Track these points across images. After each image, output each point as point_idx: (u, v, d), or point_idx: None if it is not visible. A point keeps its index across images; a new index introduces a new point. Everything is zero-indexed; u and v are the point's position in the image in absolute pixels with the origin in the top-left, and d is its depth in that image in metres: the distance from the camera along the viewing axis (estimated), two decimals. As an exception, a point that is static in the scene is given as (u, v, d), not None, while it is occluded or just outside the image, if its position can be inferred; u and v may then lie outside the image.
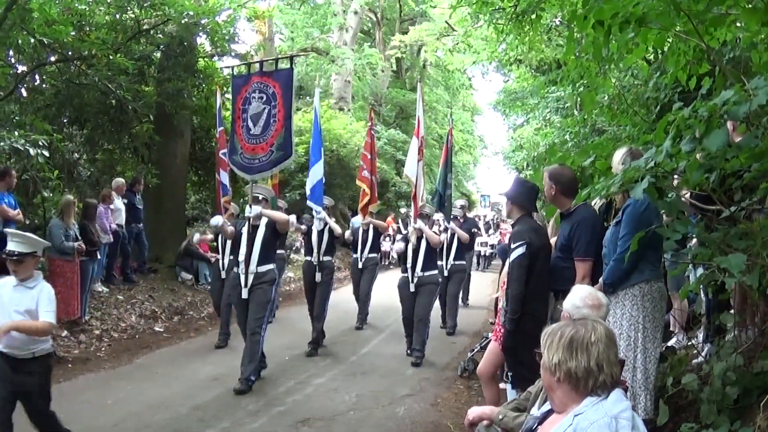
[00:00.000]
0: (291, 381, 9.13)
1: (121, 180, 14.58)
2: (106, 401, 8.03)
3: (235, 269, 9.35)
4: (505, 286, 6.51)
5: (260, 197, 9.43)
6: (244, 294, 8.98)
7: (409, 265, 10.79)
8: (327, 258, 11.79)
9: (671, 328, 8.21)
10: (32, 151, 10.78)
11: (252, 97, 9.45)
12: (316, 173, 11.36)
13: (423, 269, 10.77)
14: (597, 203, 6.50)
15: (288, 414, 7.74)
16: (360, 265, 13.97)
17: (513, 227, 6.64)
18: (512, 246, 6.23)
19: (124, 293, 13.60)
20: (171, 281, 15.32)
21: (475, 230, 17.29)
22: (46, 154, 11.28)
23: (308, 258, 12.01)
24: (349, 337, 12.49)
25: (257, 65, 9.87)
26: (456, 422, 7.48)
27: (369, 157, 13.21)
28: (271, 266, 9.18)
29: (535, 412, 3.68)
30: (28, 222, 12.21)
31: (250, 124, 9.43)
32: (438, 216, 12.69)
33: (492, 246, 29.10)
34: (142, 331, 12.19)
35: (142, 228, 15.11)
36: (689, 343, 7.35)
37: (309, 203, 11.40)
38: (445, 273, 13.42)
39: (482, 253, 29.09)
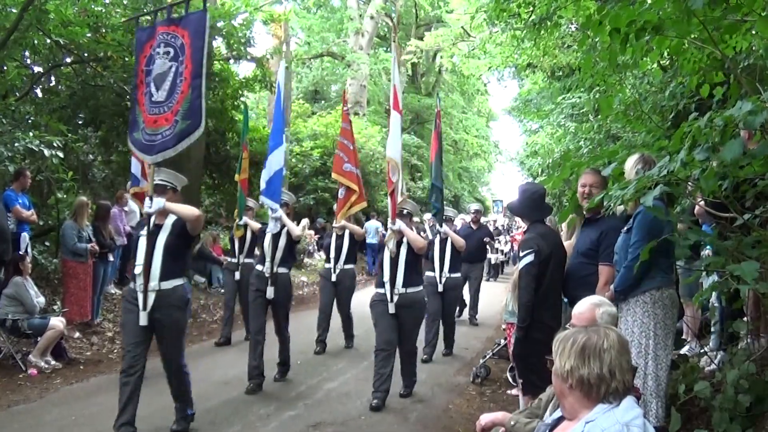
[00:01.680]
0: (302, 386, 9.15)
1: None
2: (117, 403, 8.04)
3: (131, 285, 6.99)
4: (511, 288, 6.53)
5: (167, 186, 7.12)
6: (143, 320, 6.68)
7: (387, 280, 8.35)
8: (284, 269, 9.41)
9: (684, 336, 8.19)
10: (47, 152, 10.82)
11: (156, 54, 7.03)
12: (275, 162, 9.25)
13: (406, 284, 8.45)
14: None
15: (299, 418, 7.73)
16: (333, 278, 11.88)
17: (524, 234, 6.63)
18: (521, 254, 6.23)
19: (137, 295, 13.61)
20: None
21: (488, 239, 16.29)
22: (61, 155, 11.31)
23: (259, 268, 9.41)
24: (362, 342, 12.22)
25: (166, 12, 7.53)
26: (468, 428, 7.45)
27: (350, 147, 11.26)
28: (179, 282, 6.91)
29: (547, 418, 3.67)
30: (41, 223, 12.27)
31: (153, 88, 6.94)
32: (428, 216, 12.51)
33: (504, 253, 28.38)
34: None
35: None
36: (702, 351, 7.33)
37: (262, 199, 9.33)
38: (440, 288, 11.39)
39: (492, 261, 26.68)
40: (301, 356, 10.77)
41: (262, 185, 9.29)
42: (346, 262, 11.99)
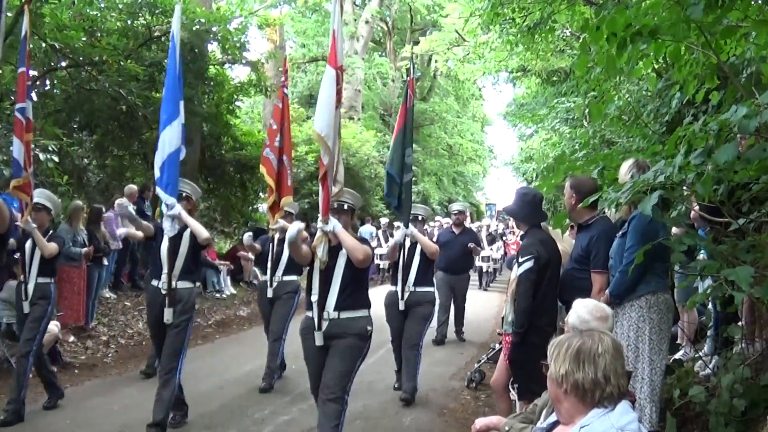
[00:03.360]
0: (297, 390, 9.10)
1: (133, 187, 14.63)
2: (112, 407, 8.04)
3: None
4: (509, 297, 6.51)
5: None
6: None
7: (314, 300, 6.10)
8: (186, 284, 7.35)
9: (678, 341, 8.20)
10: (42, 156, 10.80)
11: None
12: (168, 141, 7.29)
13: (338, 309, 6.12)
14: (613, 215, 6.49)
15: (294, 423, 7.73)
16: (270, 293, 9.42)
17: (522, 239, 6.63)
18: (520, 260, 6.22)
19: (132, 300, 13.64)
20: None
21: (472, 245, 13.41)
22: (56, 159, 11.32)
23: (155, 283, 7.33)
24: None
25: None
26: (462, 433, 7.46)
27: (277, 129, 9.47)
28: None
29: (542, 423, 3.67)
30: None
31: None
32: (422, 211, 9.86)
33: (495, 261, 25.79)
34: (149, 338, 12.19)
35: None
36: (697, 355, 7.34)
37: (158, 192, 7.37)
38: (401, 306, 9.04)
39: (484, 269, 24.22)
40: (297, 361, 10.76)
41: (156, 173, 7.34)
42: (285, 273, 9.52)
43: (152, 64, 14.78)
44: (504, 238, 27.90)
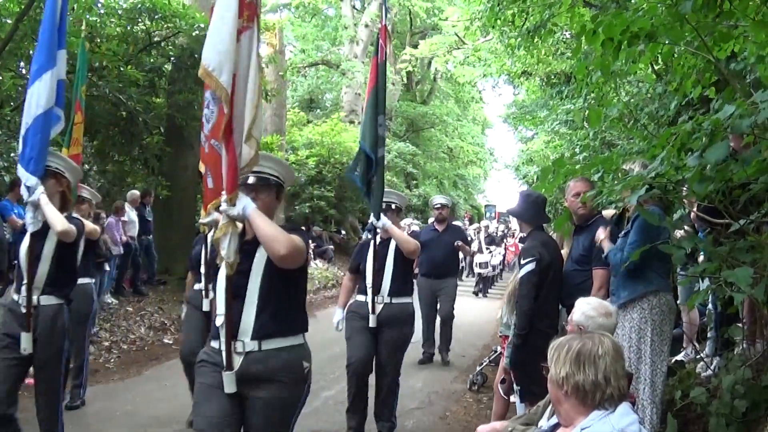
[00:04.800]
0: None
1: (136, 192, 14.66)
2: (114, 413, 8.04)
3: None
4: (505, 298, 6.53)
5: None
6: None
7: (219, 328, 4.24)
8: (50, 300, 5.49)
9: (684, 345, 8.20)
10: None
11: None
12: (37, 101, 5.46)
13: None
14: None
15: (296, 426, 7.71)
16: (205, 306, 6.92)
17: (524, 241, 6.64)
18: (522, 262, 6.23)
19: (134, 305, 13.63)
20: (180, 293, 15.26)
21: (459, 243, 11.75)
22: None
23: (15, 297, 5.49)
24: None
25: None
26: (464, 436, 7.46)
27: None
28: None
29: (543, 425, 3.67)
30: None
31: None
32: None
33: (494, 267, 24.11)
34: (151, 343, 12.19)
35: (152, 240, 15.16)
36: (698, 357, 7.35)
37: (18, 170, 5.41)
38: (371, 322, 6.95)
39: (483, 275, 22.61)
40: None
41: (19, 145, 5.53)
42: None
43: (152, 69, 14.79)
44: (505, 241, 27.63)
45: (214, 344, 4.15)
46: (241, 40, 4.05)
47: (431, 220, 13.68)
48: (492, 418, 6.67)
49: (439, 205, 11.78)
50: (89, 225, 6.37)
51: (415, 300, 7.70)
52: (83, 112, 8.28)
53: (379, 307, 6.98)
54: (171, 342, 12.50)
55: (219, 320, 4.09)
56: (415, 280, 9.17)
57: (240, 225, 4.07)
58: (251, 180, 4.23)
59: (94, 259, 7.63)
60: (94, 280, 7.71)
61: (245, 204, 3.94)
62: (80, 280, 6.55)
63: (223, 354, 4.01)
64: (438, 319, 11.58)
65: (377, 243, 7.11)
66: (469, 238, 15.00)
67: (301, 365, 4.24)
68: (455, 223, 15.60)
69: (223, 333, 4.04)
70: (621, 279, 5.47)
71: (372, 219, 7.08)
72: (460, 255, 13.56)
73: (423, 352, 11.39)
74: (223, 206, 3.94)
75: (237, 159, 3.92)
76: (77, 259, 5.94)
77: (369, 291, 7.03)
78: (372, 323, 6.91)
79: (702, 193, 4.31)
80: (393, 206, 7.45)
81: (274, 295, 4.10)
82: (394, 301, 7.05)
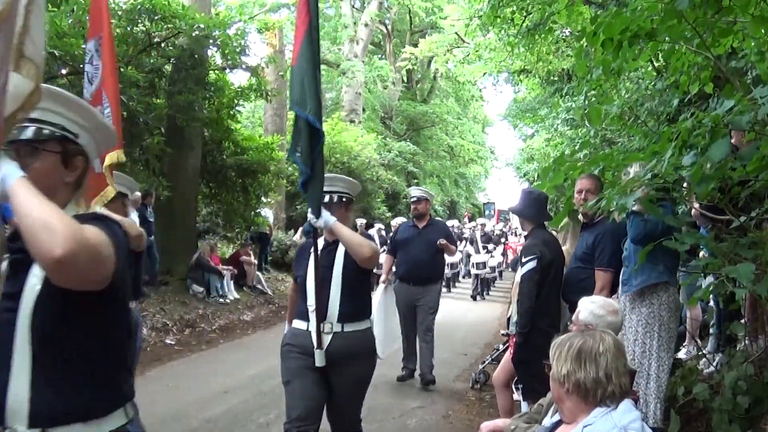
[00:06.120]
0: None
1: (138, 193, 14.65)
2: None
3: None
4: (513, 298, 6.52)
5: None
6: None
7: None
8: None
9: (686, 343, 8.20)
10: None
11: None
12: None
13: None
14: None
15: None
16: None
17: (525, 239, 6.65)
18: (523, 260, 6.23)
19: (136, 307, 13.62)
20: (182, 294, 15.31)
21: (443, 241, 9.63)
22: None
23: None
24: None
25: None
26: (467, 434, 7.45)
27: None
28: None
29: (546, 422, 3.68)
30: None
31: None
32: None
33: (492, 269, 22.94)
34: (153, 344, 12.17)
35: (153, 241, 15.15)
36: (700, 353, 7.35)
37: None
38: (317, 361, 4.82)
39: (480, 277, 21.33)
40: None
41: None
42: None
43: (152, 70, 14.77)
44: (504, 240, 27.42)
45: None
46: None
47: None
48: (501, 414, 6.68)
49: (415, 198, 9.89)
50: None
51: (388, 314, 7.80)
52: None
53: (327, 339, 4.87)
54: (173, 343, 12.50)
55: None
56: (392, 286, 9.26)
57: None
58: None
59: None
60: None
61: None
62: None
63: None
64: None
65: (318, 250, 4.99)
66: (464, 236, 14.36)
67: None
68: (448, 221, 14.86)
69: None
70: (634, 268, 5.43)
71: (310, 216, 4.91)
72: (458, 257, 12.71)
73: (402, 368, 9.84)
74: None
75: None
76: None
77: (311, 316, 4.91)
78: (319, 362, 4.85)
79: (703, 193, 4.32)
80: (340, 198, 5.25)
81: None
82: (347, 329, 4.93)
